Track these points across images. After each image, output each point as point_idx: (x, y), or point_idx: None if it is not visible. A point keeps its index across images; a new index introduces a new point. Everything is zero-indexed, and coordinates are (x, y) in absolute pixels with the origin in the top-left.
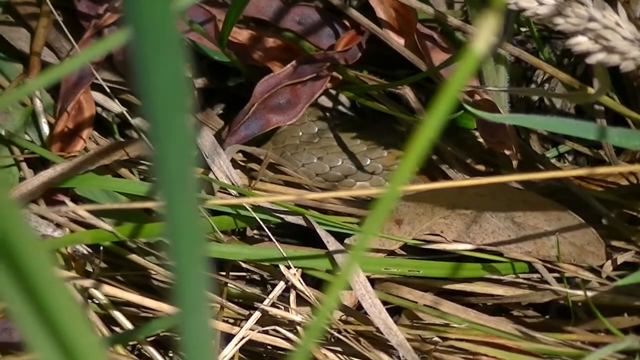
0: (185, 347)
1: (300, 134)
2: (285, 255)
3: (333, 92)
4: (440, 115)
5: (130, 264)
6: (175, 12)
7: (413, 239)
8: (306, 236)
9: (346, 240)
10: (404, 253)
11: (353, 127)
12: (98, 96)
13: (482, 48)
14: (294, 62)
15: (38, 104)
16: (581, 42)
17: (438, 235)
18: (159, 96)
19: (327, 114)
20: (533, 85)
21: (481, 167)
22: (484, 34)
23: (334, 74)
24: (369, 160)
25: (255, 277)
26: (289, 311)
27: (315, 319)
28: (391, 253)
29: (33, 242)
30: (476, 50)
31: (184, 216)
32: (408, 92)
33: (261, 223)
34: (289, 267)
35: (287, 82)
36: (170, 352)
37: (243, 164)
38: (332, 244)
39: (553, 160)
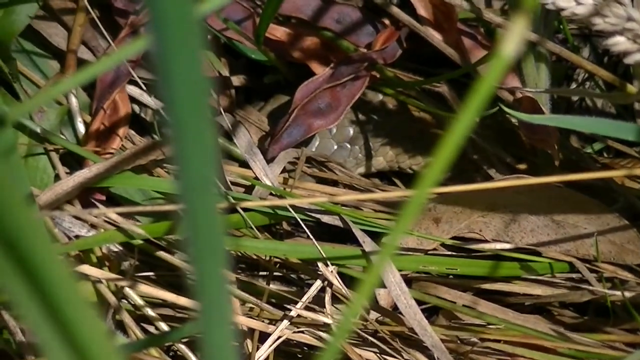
0: (206, 348)
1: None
2: (322, 252)
3: (371, 91)
4: (470, 117)
5: (164, 263)
6: (211, 10)
7: (451, 238)
8: (342, 235)
9: (383, 240)
10: (443, 252)
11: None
12: (135, 92)
13: (511, 50)
14: (332, 65)
15: (74, 102)
16: (619, 42)
17: (476, 233)
18: (180, 101)
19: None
20: (574, 84)
21: (522, 166)
22: (514, 35)
23: (373, 73)
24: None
25: (292, 276)
26: (324, 311)
27: (344, 316)
28: (429, 252)
29: (46, 246)
30: (505, 53)
31: (204, 222)
32: (446, 90)
33: (300, 222)
34: (326, 265)
35: (326, 85)
36: None
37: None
38: (368, 244)
39: (593, 157)
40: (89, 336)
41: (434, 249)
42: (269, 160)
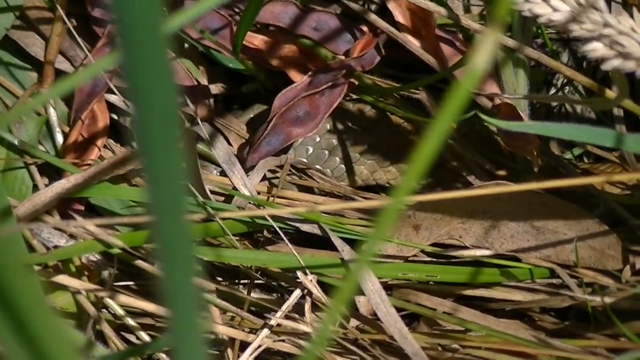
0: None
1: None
2: (302, 261)
3: (352, 95)
4: (445, 123)
5: (144, 272)
6: (190, 20)
7: (431, 245)
8: (322, 242)
9: (361, 247)
10: (423, 258)
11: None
12: (115, 100)
13: (483, 61)
14: (310, 73)
15: (52, 113)
16: (596, 48)
17: (456, 240)
18: (148, 112)
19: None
20: (553, 89)
21: (502, 172)
22: (486, 46)
23: (351, 80)
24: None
25: (272, 284)
26: (304, 320)
27: (322, 323)
28: (409, 259)
29: (16, 264)
30: (478, 63)
31: (173, 232)
32: (424, 97)
33: (279, 231)
34: (305, 274)
35: (305, 93)
36: None
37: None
38: (347, 252)
39: (573, 163)
40: (56, 350)
41: (414, 256)
42: (248, 169)
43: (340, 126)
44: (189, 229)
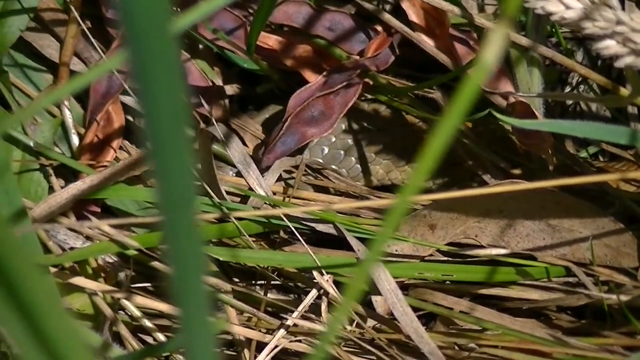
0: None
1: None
2: (318, 261)
3: (367, 95)
4: (455, 120)
5: (160, 273)
6: (202, 18)
7: (447, 244)
8: (338, 242)
9: (372, 245)
10: (439, 258)
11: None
12: (130, 102)
13: (492, 58)
14: (324, 73)
15: (67, 114)
16: (609, 46)
17: (472, 239)
18: (158, 114)
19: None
20: (568, 87)
21: (517, 171)
22: (493, 45)
23: (366, 80)
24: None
25: (288, 285)
26: (321, 320)
27: (333, 318)
28: (425, 259)
29: (29, 265)
30: (486, 60)
31: (182, 234)
32: (439, 96)
33: (295, 232)
34: (321, 274)
35: (319, 93)
36: None
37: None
38: (362, 252)
39: (588, 161)
40: (71, 351)
41: (430, 255)
42: (264, 170)
43: (355, 126)
44: (198, 228)
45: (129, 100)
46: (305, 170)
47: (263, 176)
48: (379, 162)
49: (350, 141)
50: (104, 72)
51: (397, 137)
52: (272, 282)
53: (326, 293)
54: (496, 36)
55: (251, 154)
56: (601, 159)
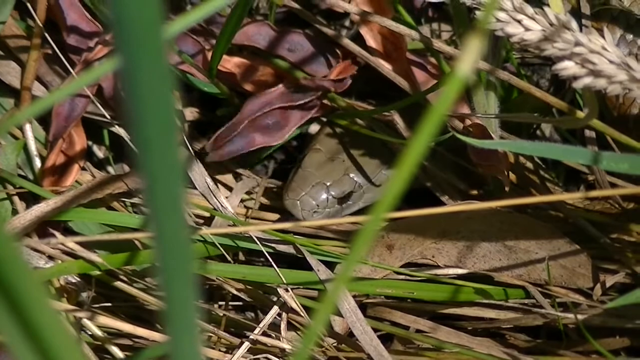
0: None
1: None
2: (281, 275)
3: (324, 119)
4: (426, 138)
5: (122, 294)
6: (165, 42)
7: (404, 265)
8: (298, 264)
9: (337, 268)
10: (397, 277)
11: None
12: (91, 126)
13: (466, 70)
14: (285, 83)
15: (30, 137)
16: (568, 67)
17: (429, 260)
18: (149, 127)
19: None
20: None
21: (474, 192)
22: (468, 56)
23: (325, 101)
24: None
25: (247, 304)
26: (280, 339)
27: (302, 343)
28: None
29: (28, 275)
30: (460, 72)
31: (175, 246)
32: (396, 118)
33: (263, 249)
34: (286, 290)
35: (279, 104)
36: None
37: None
38: (322, 272)
39: (544, 183)
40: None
41: (385, 277)
42: (210, 164)
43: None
44: (190, 247)
45: (90, 124)
46: (268, 193)
47: (227, 198)
48: None
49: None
50: (66, 95)
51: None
52: (232, 303)
53: (287, 310)
54: (471, 48)
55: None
56: (557, 180)
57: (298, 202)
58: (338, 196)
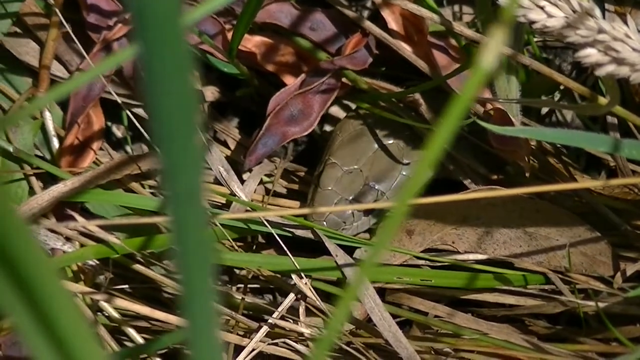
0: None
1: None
2: (297, 264)
3: (345, 101)
4: (451, 127)
5: (139, 276)
6: (186, 25)
7: (422, 251)
8: (316, 247)
9: (356, 253)
10: (416, 263)
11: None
12: (109, 107)
13: (490, 60)
14: (302, 75)
15: (48, 117)
16: (591, 54)
17: (449, 245)
18: (169, 109)
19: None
20: (543, 96)
21: (495, 176)
22: (493, 46)
23: (344, 80)
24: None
25: (265, 288)
26: (298, 323)
27: (325, 332)
28: (402, 264)
29: (42, 259)
30: (485, 63)
31: (193, 230)
32: (420, 100)
33: (276, 236)
34: (300, 277)
35: (297, 91)
36: None
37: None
38: (341, 257)
39: (567, 168)
40: (82, 349)
41: (405, 262)
42: (245, 172)
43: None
44: (208, 231)
45: (108, 105)
46: (288, 176)
47: (244, 182)
48: None
49: None
50: (88, 79)
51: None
52: (250, 286)
53: (304, 296)
54: (494, 41)
55: (231, 156)
56: (577, 166)
57: (324, 222)
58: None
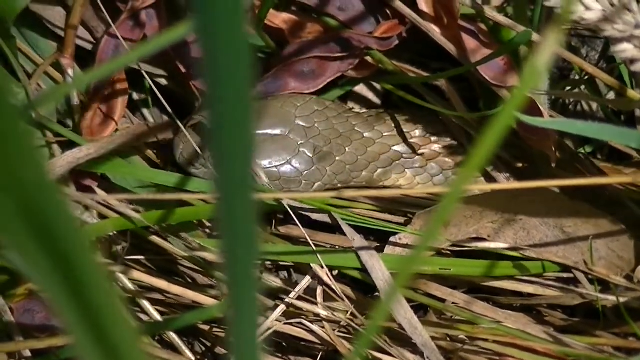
0: (235, 344)
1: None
2: (315, 249)
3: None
4: (501, 128)
5: (155, 247)
6: None
7: (453, 244)
8: (334, 227)
9: (391, 238)
10: (449, 252)
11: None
12: (132, 77)
13: (545, 62)
14: (327, 36)
15: (71, 82)
16: (626, 49)
17: (484, 239)
18: (225, 87)
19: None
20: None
21: (520, 165)
22: (548, 47)
23: (368, 59)
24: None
25: (281, 267)
26: (315, 304)
27: (366, 331)
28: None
29: (74, 226)
30: (539, 64)
31: (240, 213)
32: (444, 84)
33: (296, 220)
34: (321, 267)
35: (317, 53)
36: (192, 339)
37: None
38: (357, 241)
39: (590, 159)
40: (112, 319)
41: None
42: None
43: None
44: (255, 209)
45: (132, 73)
46: None
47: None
48: None
49: None
50: (126, 62)
51: None
52: (267, 265)
53: (322, 282)
54: (549, 42)
55: None
56: (599, 157)
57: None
58: None
